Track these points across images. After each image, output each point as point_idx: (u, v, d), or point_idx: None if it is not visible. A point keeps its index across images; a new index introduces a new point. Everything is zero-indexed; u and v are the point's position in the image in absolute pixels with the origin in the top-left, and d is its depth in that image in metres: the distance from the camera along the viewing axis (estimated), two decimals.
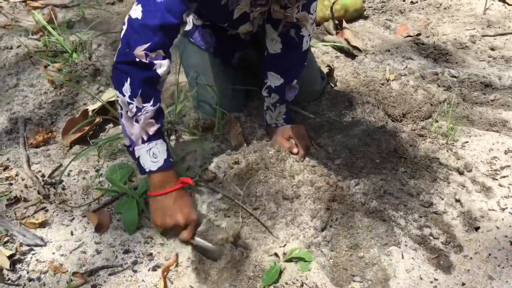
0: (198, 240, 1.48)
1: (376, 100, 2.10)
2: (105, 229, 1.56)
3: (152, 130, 1.44)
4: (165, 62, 1.43)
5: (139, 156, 1.45)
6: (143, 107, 1.42)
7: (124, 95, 1.42)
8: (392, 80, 2.24)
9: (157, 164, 1.44)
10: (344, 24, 2.66)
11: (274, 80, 1.77)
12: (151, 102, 1.43)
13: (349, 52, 2.49)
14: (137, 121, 1.43)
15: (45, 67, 2.28)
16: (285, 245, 1.52)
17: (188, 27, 1.84)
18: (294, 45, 1.71)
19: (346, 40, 2.53)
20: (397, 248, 1.52)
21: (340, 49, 2.52)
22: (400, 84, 2.21)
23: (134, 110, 1.42)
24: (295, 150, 1.76)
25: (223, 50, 1.87)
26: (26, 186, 1.71)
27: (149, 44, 1.38)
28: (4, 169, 1.79)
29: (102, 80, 2.20)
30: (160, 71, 1.43)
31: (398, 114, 2.05)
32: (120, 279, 1.43)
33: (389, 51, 2.53)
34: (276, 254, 1.48)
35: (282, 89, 1.79)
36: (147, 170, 1.45)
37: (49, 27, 2.39)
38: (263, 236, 1.55)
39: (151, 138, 1.45)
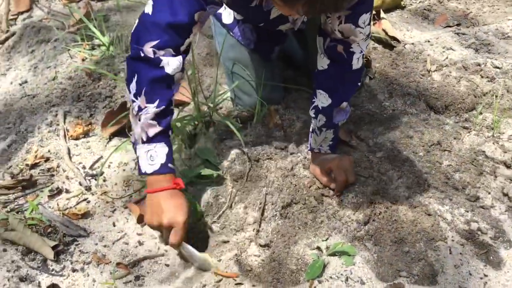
0: (186, 247, 1.40)
1: (417, 92, 2.05)
2: None
3: (152, 131, 1.39)
4: (174, 60, 1.38)
5: (138, 156, 1.42)
6: (145, 107, 1.38)
7: (130, 92, 1.40)
8: (434, 71, 2.18)
9: (153, 167, 1.39)
10: (382, 14, 2.60)
11: (322, 99, 1.58)
12: (155, 103, 1.37)
13: (387, 43, 2.44)
14: (139, 119, 1.39)
15: (83, 60, 2.29)
16: (327, 239, 1.49)
17: (229, 21, 1.81)
18: (342, 61, 1.53)
19: (384, 30, 2.47)
20: (444, 243, 1.47)
21: (377, 40, 2.46)
22: (442, 75, 2.15)
23: (136, 109, 1.39)
24: (332, 185, 1.58)
25: (263, 46, 1.84)
26: (67, 178, 1.73)
27: (157, 41, 1.35)
28: (45, 161, 1.81)
29: None
30: (168, 69, 1.38)
31: (440, 106, 2.00)
32: (163, 271, 1.42)
33: (428, 41, 2.46)
34: (318, 248, 1.46)
35: (329, 112, 1.59)
36: (143, 171, 1.41)
37: (86, 20, 2.41)
38: (304, 229, 1.52)
39: (150, 140, 1.40)
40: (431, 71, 2.19)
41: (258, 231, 1.53)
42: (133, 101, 1.39)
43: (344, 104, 1.59)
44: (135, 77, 1.38)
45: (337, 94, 1.57)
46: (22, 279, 1.38)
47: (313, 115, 1.63)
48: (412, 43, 2.43)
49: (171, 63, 1.38)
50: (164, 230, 1.40)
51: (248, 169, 1.65)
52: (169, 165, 1.41)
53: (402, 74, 2.17)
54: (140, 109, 1.38)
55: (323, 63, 1.56)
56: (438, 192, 1.63)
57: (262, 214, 1.56)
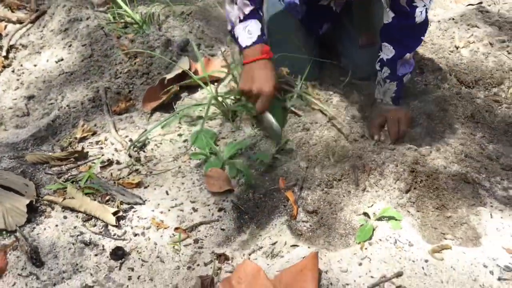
0: (267, 115, 1.66)
1: (448, 67, 2.11)
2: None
3: (247, 10, 1.66)
4: None
5: (238, 35, 1.69)
6: None
7: None
8: (462, 48, 2.24)
9: (251, 39, 1.67)
10: None
11: (386, 51, 1.71)
12: None
13: None
14: (235, 3, 1.66)
15: (118, 37, 2.34)
16: (372, 205, 1.57)
17: None
18: (405, 14, 1.61)
19: None
20: (484, 208, 1.55)
21: None
22: (470, 51, 2.21)
23: None
24: (382, 137, 1.76)
25: (311, 20, 1.90)
26: (116, 150, 1.79)
27: None
28: (93, 134, 1.87)
29: (173, 51, 2.24)
30: None
31: (470, 80, 2.06)
32: (219, 235, 1.50)
33: (453, 19, 2.51)
34: (365, 214, 1.53)
35: (393, 63, 1.71)
36: (243, 45, 1.68)
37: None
38: (349, 198, 1.59)
39: (246, 18, 1.67)
40: (459, 47, 2.25)
41: (299, 196, 1.60)
42: None
43: (408, 55, 1.70)
44: None
45: (401, 45, 1.68)
46: (86, 243, 1.45)
47: (378, 68, 1.76)
48: (438, 21, 2.48)
49: None
50: (253, 97, 1.68)
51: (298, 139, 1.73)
52: (264, 37, 1.69)
53: (431, 51, 2.23)
54: None
55: (388, 16, 1.67)
56: (474, 161, 1.70)
57: (303, 181, 1.63)
